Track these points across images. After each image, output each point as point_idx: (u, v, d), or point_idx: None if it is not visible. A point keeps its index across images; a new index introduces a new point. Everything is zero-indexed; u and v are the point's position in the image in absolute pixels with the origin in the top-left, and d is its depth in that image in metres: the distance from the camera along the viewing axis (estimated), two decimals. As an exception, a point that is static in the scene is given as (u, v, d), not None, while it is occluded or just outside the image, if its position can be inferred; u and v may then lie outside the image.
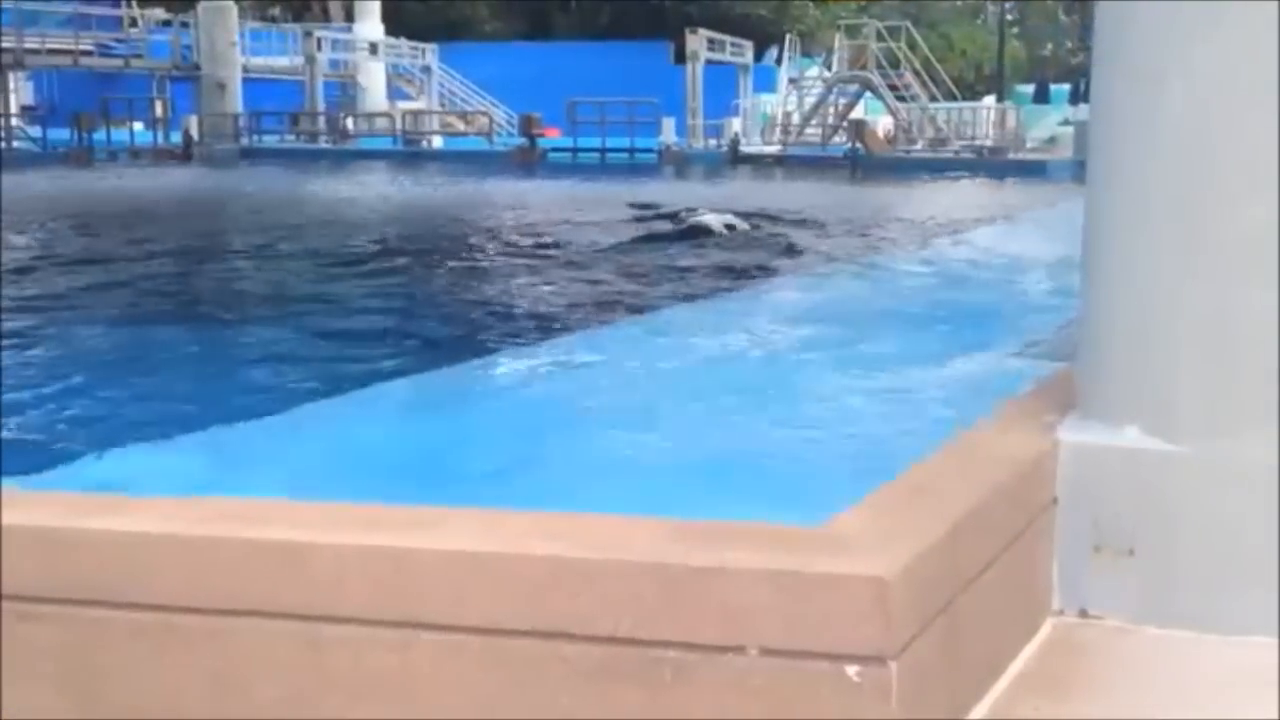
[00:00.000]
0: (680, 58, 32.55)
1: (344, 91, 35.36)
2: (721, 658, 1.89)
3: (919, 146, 28.78)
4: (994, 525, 2.32)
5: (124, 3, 34.66)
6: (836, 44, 31.85)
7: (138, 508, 2.22)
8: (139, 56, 32.62)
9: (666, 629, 1.92)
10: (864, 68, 30.13)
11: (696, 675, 1.91)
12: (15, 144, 28.35)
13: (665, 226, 13.56)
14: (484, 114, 33.31)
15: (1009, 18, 41.09)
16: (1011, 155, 26.74)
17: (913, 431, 3.28)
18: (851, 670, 1.85)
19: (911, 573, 1.93)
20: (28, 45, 29.51)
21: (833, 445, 3.48)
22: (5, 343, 6.71)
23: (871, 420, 3.72)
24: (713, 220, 13.43)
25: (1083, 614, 2.56)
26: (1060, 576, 2.58)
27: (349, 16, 37.71)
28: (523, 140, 27.71)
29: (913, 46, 30.82)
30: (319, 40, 32.56)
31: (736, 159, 26.72)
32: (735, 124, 29.06)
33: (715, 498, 2.81)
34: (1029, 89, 40.94)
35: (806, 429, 3.65)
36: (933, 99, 30.68)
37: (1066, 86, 39.16)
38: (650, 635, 1.92)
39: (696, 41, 30.66)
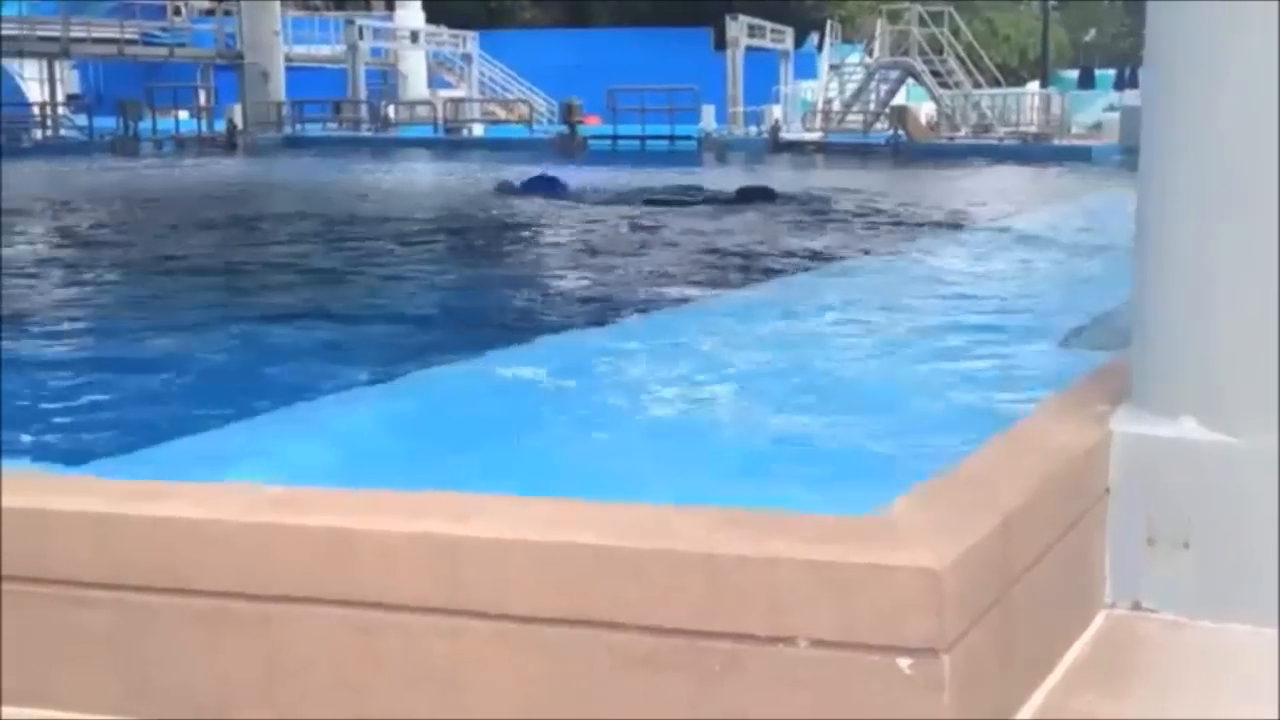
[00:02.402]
0: (720, 44, 32.41)
1: (385, 80, 35.47)
2: (771, 649, 1.88)
3: (962, 133, 28.53)
4: (1046, 517, 2.29)
5: (168, -9, 34.91)
6: (878, 29, 31.59)
7: (190, 494, 2.24)
8: (183, 45, 32.87)
9: (715, 619, 1.91)
10: (906, 53, 29.89)
11: (746, 666, 1.89)
12: (62, 132, 28.61)
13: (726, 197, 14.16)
14: (524, 102, 33.34)
15: (1053, 2, 40.64)
16: (1056, 141, 26.46)
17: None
18: (904, 663, 1.83)
19: (963, 564, 1.91)
20: (74, 34, 29.78)
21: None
22: (56, 329, 6.80)
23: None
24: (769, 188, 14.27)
25: (1136, 607, 2.53)
26: (1113, 569, 2.54)
27: (390, 4, 37.80)
28: (563, 128, 27.70)
29: (956, 32, 30.53)
30: (361, 29, 32.63)
31: (777, 146, 26.56)
32: (775, 111, 28.88)
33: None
34: (1073, 74, 40.52)
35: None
36: (976, 85, 30.37)
37: (1111, 72, 38.75)
38: (698, 625, 1.92)
39: (736, 28, 30.51)
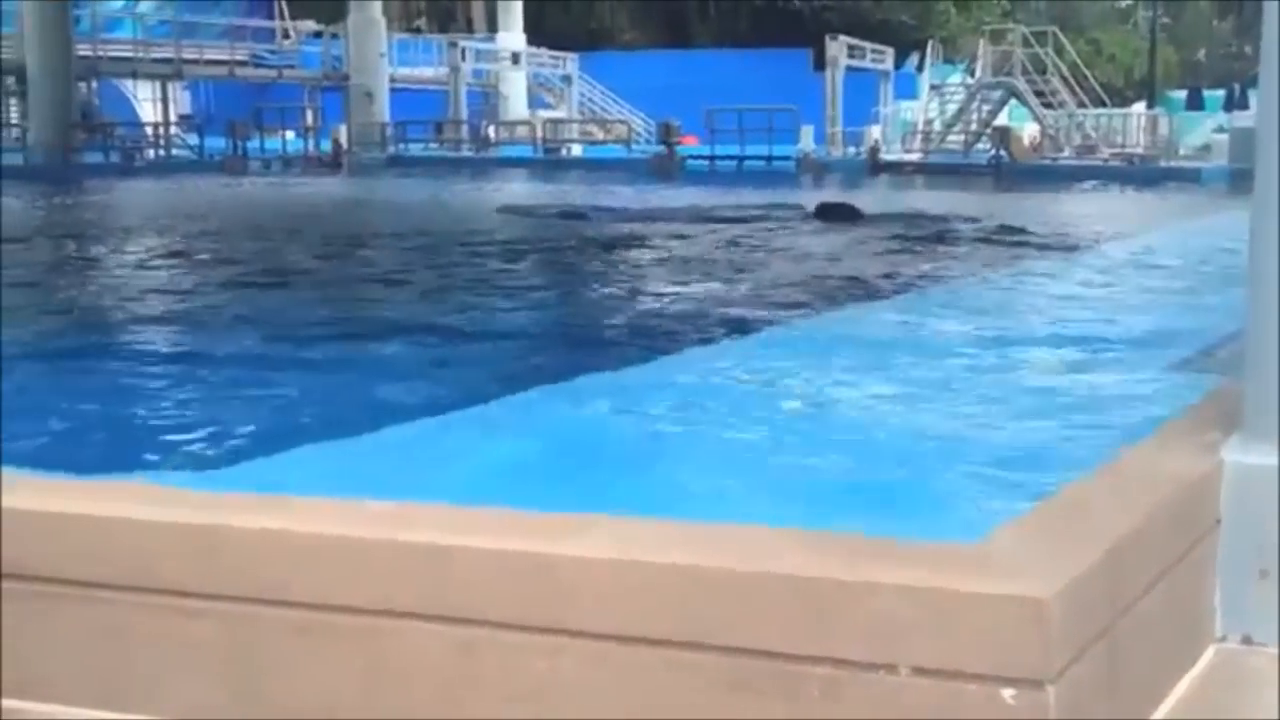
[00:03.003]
0: (820, 65, 32.34)
1: (486, 100, 35.96)
2: (872, 676, 1.86)
3: (1066, 154, 28.11)
4: (1155, 547, 2.24)
5: (277, 15, 35.81)
6: (980, 49, 31.28)
7: (292, 507, 2.28)
8: (291, 67, 33.67)
9: (814, 644, 1.89)
10: (1009, 73, 29.55)
11: (846, 692, 1.87)
12: (174, 151, 29.43)
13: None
14: (623, 122, 33.58)
15: (1160, 21, 39.89)
16: (1163, 163, 25.95)
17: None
18: (1007, 693, 1.80)
19: (1070, 594, 1.87)
20: (186, 56, 30.66)
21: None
22: (161, 338, 6.99)
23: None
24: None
25: (1246, 641, 2.46)
26: (1223, 601, 2.48)
27: (492, 27, 38.35)
28: (661, 148, 27.82)
29: (1059, 52, 30.10)
30: (463, 50, 33.20)
31: (876, 167, 26.41)
32: (875, 132, 28.69)
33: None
34: (1181, 95, 39.74)
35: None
36: (1080, 105, 29.92)
37: (1220, 93, 37.93)
38: (797, 650, 1.90)
39: (836, 48, 30.42)
